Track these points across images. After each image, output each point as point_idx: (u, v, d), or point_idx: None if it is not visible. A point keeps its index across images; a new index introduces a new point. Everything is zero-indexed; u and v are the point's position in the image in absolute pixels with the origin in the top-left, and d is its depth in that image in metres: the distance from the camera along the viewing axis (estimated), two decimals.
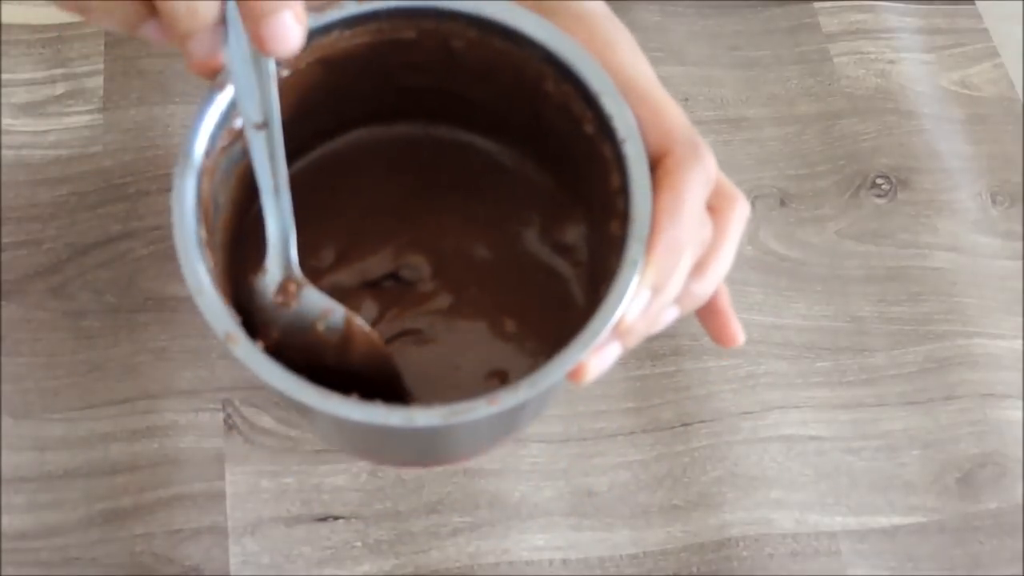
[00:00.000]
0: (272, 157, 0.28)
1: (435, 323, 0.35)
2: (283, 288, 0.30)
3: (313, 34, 0.29)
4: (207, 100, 0.28)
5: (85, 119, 0.50)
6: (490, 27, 0.30)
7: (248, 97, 0.27)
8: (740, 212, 0.31)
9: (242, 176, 0.32)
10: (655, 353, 0.47)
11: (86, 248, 0.47)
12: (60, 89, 0.51)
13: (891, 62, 0.56)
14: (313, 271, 0.34)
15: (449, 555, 0.42)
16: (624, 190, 0.28)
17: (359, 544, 0.42)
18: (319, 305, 0.30)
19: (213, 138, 0.29)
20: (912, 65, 0.56)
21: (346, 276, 0.35)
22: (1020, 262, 0.51)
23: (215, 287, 0.27)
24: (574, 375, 0.27)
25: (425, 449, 0.35)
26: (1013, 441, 0.47)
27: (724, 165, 0.53)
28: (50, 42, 0.52)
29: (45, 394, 0.44)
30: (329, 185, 0.36)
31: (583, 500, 0.44)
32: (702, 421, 0.46)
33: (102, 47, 0.52)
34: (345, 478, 0.43)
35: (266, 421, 0.44)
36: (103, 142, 0.49)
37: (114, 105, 0.50)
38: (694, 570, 0.43)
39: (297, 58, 0.30)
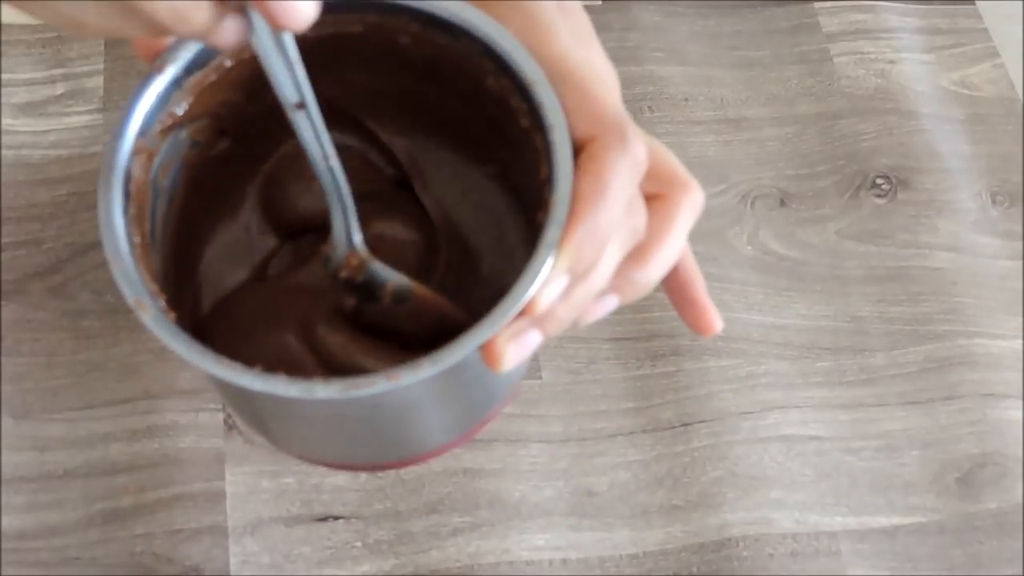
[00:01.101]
0: (316, 133, 0.28)
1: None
2: (346, 263, 0.31)
3: None
4: (145, 82, 0.28)
5: (85, 119, 0.50)
6: (431, 21, 0.30)
7: (283, 81, 0.27)
8: (690, 200, 0.31)
9: (196, 166, 0.32)
10: (655, 353, 0.47)
11: (86, 248, 0.47)
12: (60, 89, 0.51)
13: (891, 62, 0.56)
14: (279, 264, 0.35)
15: (449, 555, 0.42)
16: (551, 179, 0.28)
17: (359, 544, 0.42)
18: (384, 276, 0.31)
19: (149, 119, 0.29)
20: (912, 65, 0.56)
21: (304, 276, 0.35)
22: (1020, 262, 0.51)
23: (132, 256, 0.27)
24: (489, 359, 0.27)
25: (368, 439, 0.34)
26: (1013, 441, 0.47)
27: (724, 165, 0.54)
28: (50, 42, 0.52)
29: (45, 394, 0.44)
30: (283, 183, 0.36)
31: (583, 500, 0.44)
32: (702, 421, 0.46)
33: (102, 47, 0.52)
34: (345, 478, 0.43)
35: None
36: (103, 142, 0.49)
37: (114, 105, 0.50)
38: (694, 570, 0.43)
39: (241, 50, 0.30)
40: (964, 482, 0.46)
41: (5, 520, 0.42)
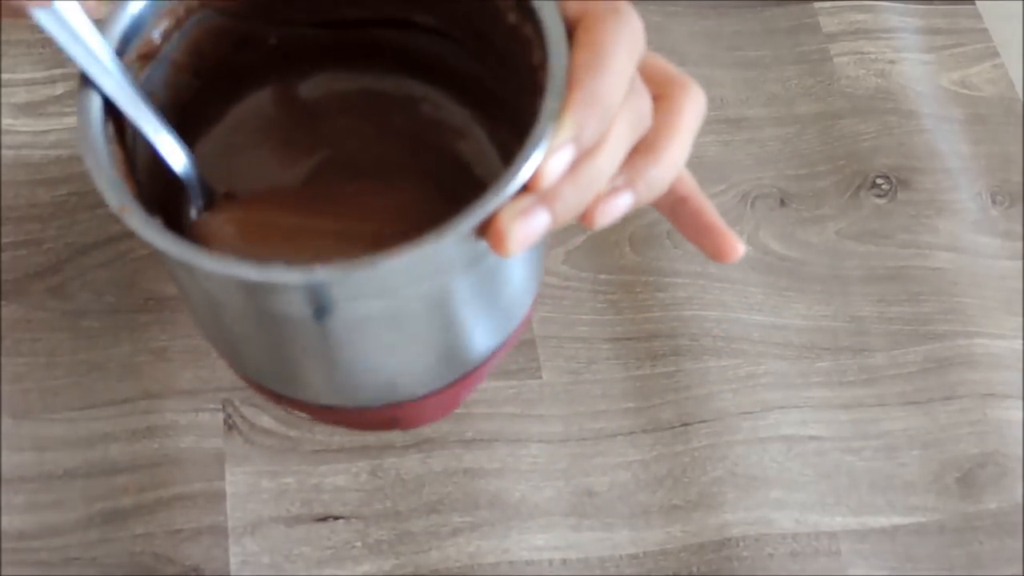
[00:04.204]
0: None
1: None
2: None
3: None
4: (119, 6, 0.28)
5: None
6: None
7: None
8: (694, 98, 0.30)
9: (172, 105, 0.32)
10: (655, 353, 0.47)
11: (86, 248, 0.47)
12: (60, 89, 0.51)
13: (891, 62, 0.56)
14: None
15: (449, 555, 0.42)
16: (545, 63, 0.27)
17: (359, 544, 0.42)
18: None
19: (127, 40, 0.28)
20: (912, 65, 0.56)
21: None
22: (1020, 262, 0.51)
23: (113, 165, 0.27)
24: (493, 238, 0.25)
25: (359, 368, 0.32)
26: (1013, 441, 0.47)
27: (724, 165, 0.54)
28: (50, 42, 0.52)
29: (45, 394, 0.44)
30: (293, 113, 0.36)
31: (583, 500, 0.44)
32: (702, 421, 0.46)
33: None
34: (345, 478, 0.43)
35: (266, 421, 0.44)
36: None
37: None
38: (694, 570, 0.43)
39: None
40: (964, 482, 0.46)
41: (5, 520, 0.42)
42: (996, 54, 0.57)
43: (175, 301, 0.46)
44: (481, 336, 0.33)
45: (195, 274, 0.27)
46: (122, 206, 0.26)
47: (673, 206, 0.34)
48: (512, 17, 0.29)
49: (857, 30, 0.57)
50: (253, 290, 0.26)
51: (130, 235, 0.47)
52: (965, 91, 0.56)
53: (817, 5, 0.57)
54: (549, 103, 0.26)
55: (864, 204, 0.52)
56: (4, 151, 0.49)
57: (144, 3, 0.28)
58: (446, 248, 0.25)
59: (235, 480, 0.43)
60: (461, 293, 0.29)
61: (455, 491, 0.43)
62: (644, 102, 0.28)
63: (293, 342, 0.30)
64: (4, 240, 0.47)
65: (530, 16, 0.28)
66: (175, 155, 0.30)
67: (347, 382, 0.33)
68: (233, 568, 0.41)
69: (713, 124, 0.53)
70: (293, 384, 0.34)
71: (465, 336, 0.32)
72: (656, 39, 0.55)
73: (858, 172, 0.53)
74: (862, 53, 0.56)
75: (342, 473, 0.43)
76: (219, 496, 0.43)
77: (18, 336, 0.45)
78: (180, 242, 0.25)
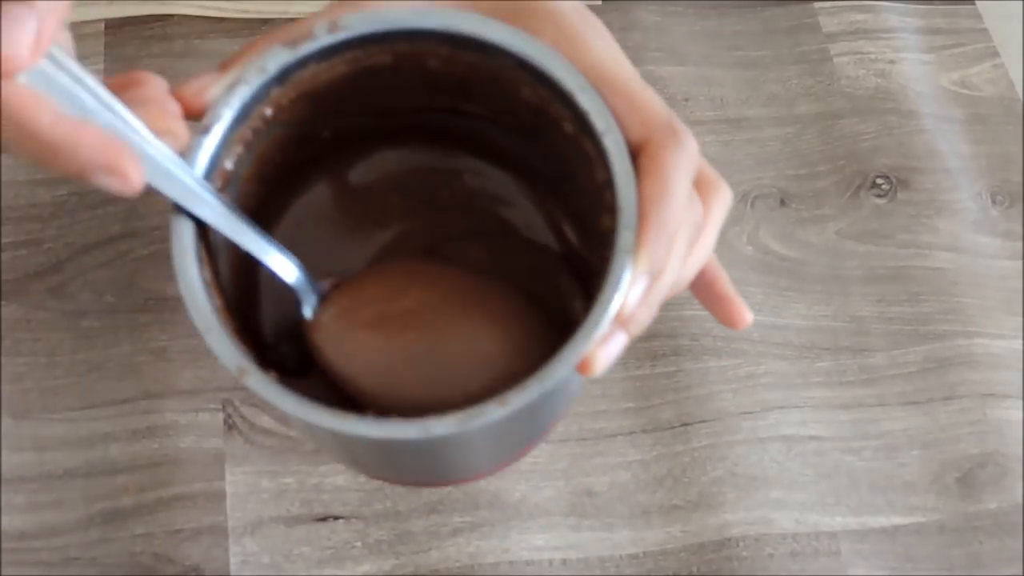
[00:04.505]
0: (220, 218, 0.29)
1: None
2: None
3: (290, 69, 0.30)
4: (195, 146, 0.29)
5: None
6: (462, 41, 0.30)
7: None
8: (723, 199, 0.32)
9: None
10: (655, 353, 0.47)
11: (86, 248, 0.47)
12: None
13: (891, 62, 0.56)
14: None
15: (449, 555, 0.42)
16: (610, 183, 0.28)
17: (359, 544, 0.42)
18: None
19: (206, 181, 0.29)
20: (912, 65, 0.56)
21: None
22: (1020, 262, 0.51)
23: (222, 323, 0.27)
24: (582, 368, 0.27)
25: (445, 464, 0.35)
26: (1013, 441, 0.47)
27: (724, 165, 0.54)
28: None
29: (45, 394, 0.44)
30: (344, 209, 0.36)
31: (583, 500, 0.44)
32: (702, 421, 0.46)
33: (102, 47, 0.52)
34: (345, 478, 0.43)
35: (266, 421, 0.44)
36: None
37: None
38: (694, 570, 0.43)
39: (279, 95, 0.30)
40: (964, 482, 0.46)
41: (5, 520, 0.42)
42: (996, 54, 0.57)
43: (175, 301, 0.46)
44: (555, 412, 0.35)
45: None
46: (241, 369, 0.27)
47: None
48: (568, 127, 0.30)
49: (857, 30, 0.57)
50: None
51: (130, 235, 0.47)
52: (965, 91, 0.56)
53: (817, 5, 0.58)
54: (624, 236, 0.27)
55: (864, 204, 0.52)
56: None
57: (217, 140, 0.29)
58: (546, 387, 0.27)
59: (235, 480, 0.43)
60: (545, 399, 0.30)
61: (455, 491, 0.43)
62: (698, 212, 0.30)
63: (394, 454, 0.32)
64: (4, 240, 0.47)
65: (591, 134, 0.29)
66: (286, 269, 0.31)
67: (440, 472, 0.37)
68: (233, 568, 0.41)
69: (713, 124, 0.53)
70: (389, 474, 0.38)
71: (541, 419, 0.34)
72: (656, 39, 0.56)
73: (858, 172, 0.53)
74: (862, 53, 0.56)
75: (342, 473, 0.43)
76: (219, 496, 0.43)
77: (18, 336, 0.45)
78: (300, 401, 0.26)
